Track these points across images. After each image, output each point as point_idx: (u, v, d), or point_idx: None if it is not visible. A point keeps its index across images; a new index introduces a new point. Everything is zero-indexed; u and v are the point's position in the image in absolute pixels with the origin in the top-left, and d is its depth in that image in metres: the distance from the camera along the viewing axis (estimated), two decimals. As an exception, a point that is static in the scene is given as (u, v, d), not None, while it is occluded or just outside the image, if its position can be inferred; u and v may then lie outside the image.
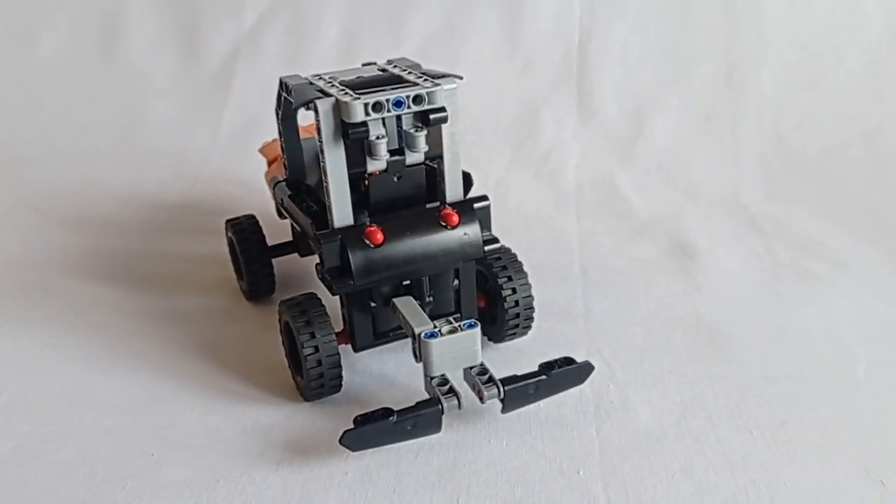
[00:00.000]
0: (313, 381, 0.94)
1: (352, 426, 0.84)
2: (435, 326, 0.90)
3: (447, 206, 0.97)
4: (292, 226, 1.17)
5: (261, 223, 1.21)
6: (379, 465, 0.88)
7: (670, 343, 1.10)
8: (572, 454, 0.90)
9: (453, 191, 0.98)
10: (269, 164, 1.25)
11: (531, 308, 1.06)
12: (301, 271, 1.27)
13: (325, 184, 0.92)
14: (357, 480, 0.86)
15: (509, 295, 1.04)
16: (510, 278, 1.04)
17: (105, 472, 0.87)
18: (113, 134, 1.71)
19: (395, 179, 0.96)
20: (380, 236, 0.92)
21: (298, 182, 1.09)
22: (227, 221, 1.22)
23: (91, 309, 1.19)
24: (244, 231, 1.19)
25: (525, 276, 1.05)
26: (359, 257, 0.92)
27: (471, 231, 0.96)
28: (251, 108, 1.69)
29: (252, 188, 1.49)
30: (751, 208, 1.47)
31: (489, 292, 1.07)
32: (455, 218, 0.95)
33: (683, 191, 1.52)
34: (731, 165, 1.57)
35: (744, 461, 0.89)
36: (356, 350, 1.00)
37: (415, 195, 0.98)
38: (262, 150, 1.28)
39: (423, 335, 0.88)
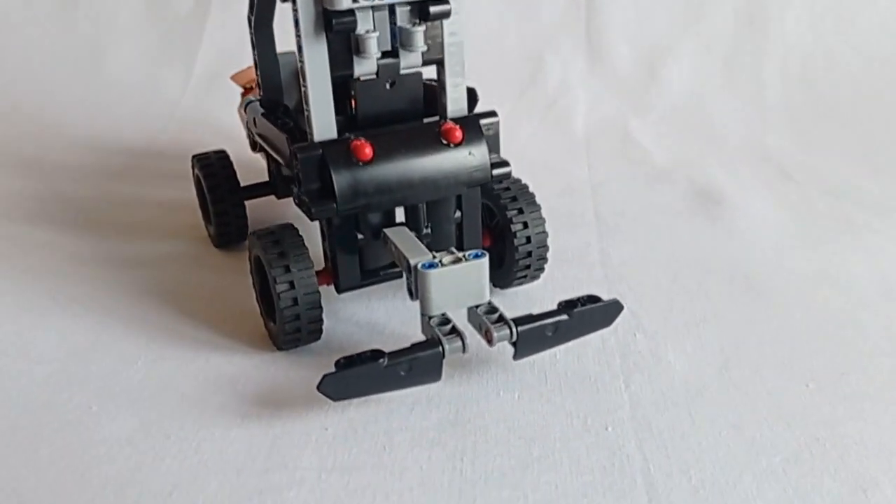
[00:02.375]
0: (288, 323, 0.79)
1: (333, 370, 0.69)
2: (434, 256, 0.75)
3: (449, 120, 0.82)
4: (268, 161, 1.02)
5: (233, 162, 1.05)
6: (366, 420, 0.73)
7: (702, 290, 0.96)
8: (598, 408, 0.75)
9: (456, 104, 0.84)
10: (244, 95, 1.10)
11: (545, 246, 0.91)
12: (279, 217, 1.12)
13: (303, 88, 0.77)
14: (339, 437, 0.71)
15: (520, 230, 0.89)
16: (521, 211, 0.90)
17: (31, 425, 0.72)
18: (72, 75, 1.55)
19: (388, 87, 0.82)
20: (368, 151, 0.77)
21: (275, 102, 0.93)
22: (194, 157, 1.07)
23: (35, 253, 1.03)
24: (213, 167, 1.04)
25: (538, 209, 0.91)
26: (343, 176, 0.77)
27: (477, 151, 0.81)
28: (228, 47, 1.53)
29: (228, 133, 1.33)
30: (779, 155, 1.33)
31: (496, 229, 0.92)
32: (458, 134, 0.80)
33: (703, 138, 1.38)
34: (755, 111, 1.44)
35: (802, 417, 0.75)
36: (340, 290, 0.85)
37: (411, 108, 0.84)
38: (234, 78, 1.13)
39: (420, 266, 0.74)
